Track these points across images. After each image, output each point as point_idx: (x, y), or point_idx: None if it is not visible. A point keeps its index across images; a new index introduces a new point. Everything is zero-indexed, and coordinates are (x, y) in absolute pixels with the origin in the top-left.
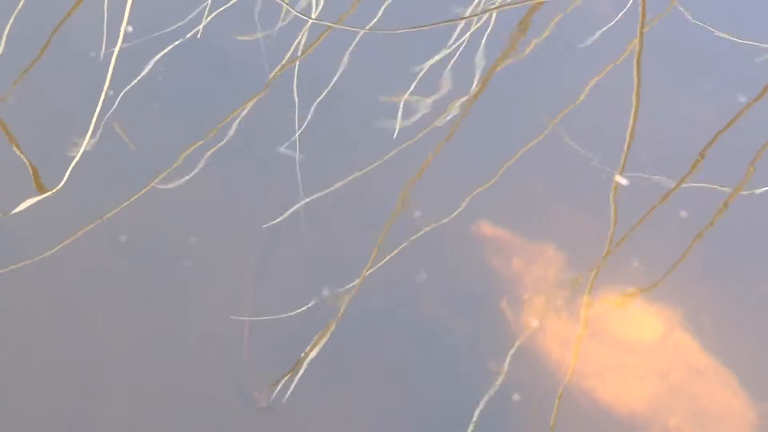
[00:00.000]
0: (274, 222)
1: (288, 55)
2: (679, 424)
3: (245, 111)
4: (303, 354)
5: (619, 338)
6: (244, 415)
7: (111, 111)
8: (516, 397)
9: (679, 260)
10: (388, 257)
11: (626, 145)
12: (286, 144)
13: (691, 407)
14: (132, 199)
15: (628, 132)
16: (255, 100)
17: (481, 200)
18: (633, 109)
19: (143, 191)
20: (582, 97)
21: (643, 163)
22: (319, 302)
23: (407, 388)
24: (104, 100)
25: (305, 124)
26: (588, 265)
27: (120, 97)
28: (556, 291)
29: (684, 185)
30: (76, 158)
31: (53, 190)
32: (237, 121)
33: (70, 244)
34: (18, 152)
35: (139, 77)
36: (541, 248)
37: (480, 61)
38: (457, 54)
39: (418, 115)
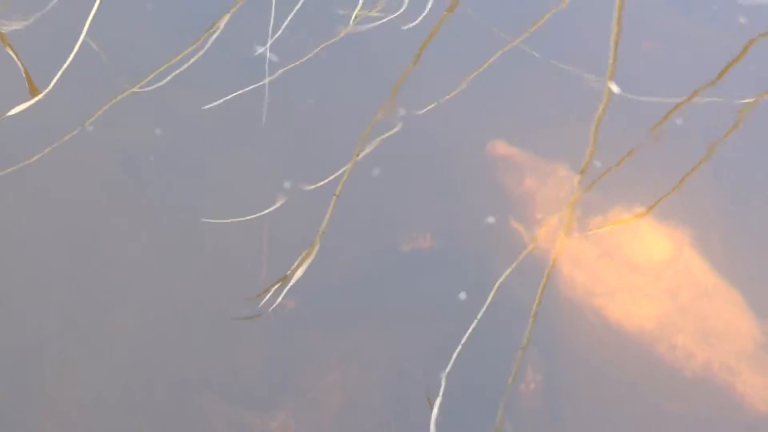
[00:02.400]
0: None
1: None
2: (686, 342)
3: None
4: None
5: (629, 258)
6: (253, 327)
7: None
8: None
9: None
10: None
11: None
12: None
13: (698, 326)
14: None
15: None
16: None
17: (496, 121)
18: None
19: (122, 92)
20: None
21: (651, 82)
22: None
23: (417, 304)
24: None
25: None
26: (599, 186)
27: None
28: (568, 210)
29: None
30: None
31: (43, 93)
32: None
33: (73, 154)
34: (13, 55)
35: None
36: (554, 168)
37: None
38: None
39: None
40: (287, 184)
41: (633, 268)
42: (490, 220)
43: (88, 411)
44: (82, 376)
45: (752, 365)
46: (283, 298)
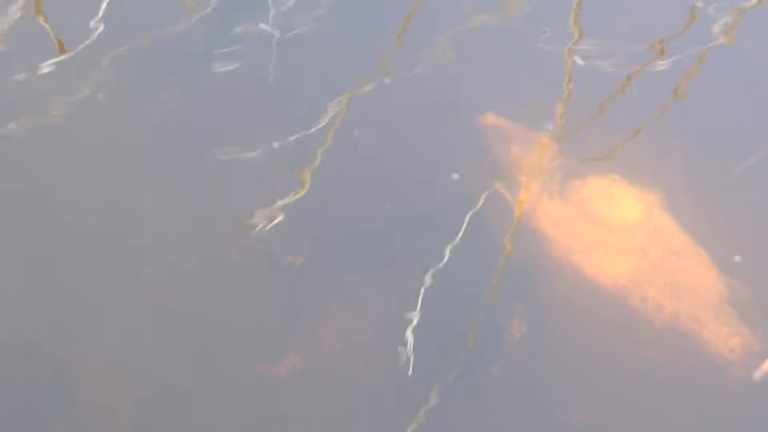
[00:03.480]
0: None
1: None
2: (656, 296)
3: None
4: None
5: (604, 219)
6: (263, 280)
7: None
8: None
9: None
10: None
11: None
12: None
13: (667, 281)
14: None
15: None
16: None
17: (488, 94)
18: None
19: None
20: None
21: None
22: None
23: (408, 257)
24: None
25: None
26: (578, 155)
27: None
28: (550, 175)
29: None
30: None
31: (73, 52)
32: None
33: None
34: (42, 19)
35: None
36: (538, 137)
37: None
38: None
39: None
40: (275, 145)
41: (608, 227)
42: (455, 176)
43: (122, 355)
44: (116, 325)
45: (717, 316)
46: (291, 255)
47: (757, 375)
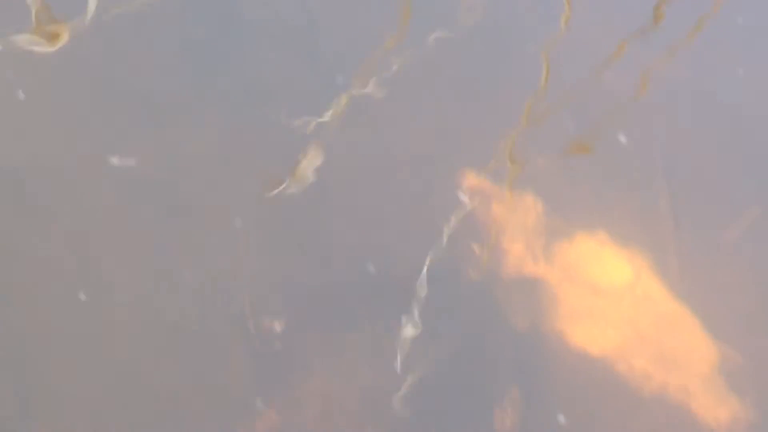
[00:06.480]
0: None
1: None
2: (644, 366)
3: None
4: None
5: (591, 282)
6: (244, 341)
7: None
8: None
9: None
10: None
11: None
12: None
13: (656, 350)
14: None
15: None
16: None
17: (467, 151)
18: None
19: None
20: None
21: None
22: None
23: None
24: None
25: None
26: (564, 216)
27: None
28: (534, 236)
29: None
30: None
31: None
32: None
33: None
34: None
35: None
36: (521, 197)
37: None
38: None
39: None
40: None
41: (595, 292)
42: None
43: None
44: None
45: (705, 385)
46: (270, 320)
47: None
